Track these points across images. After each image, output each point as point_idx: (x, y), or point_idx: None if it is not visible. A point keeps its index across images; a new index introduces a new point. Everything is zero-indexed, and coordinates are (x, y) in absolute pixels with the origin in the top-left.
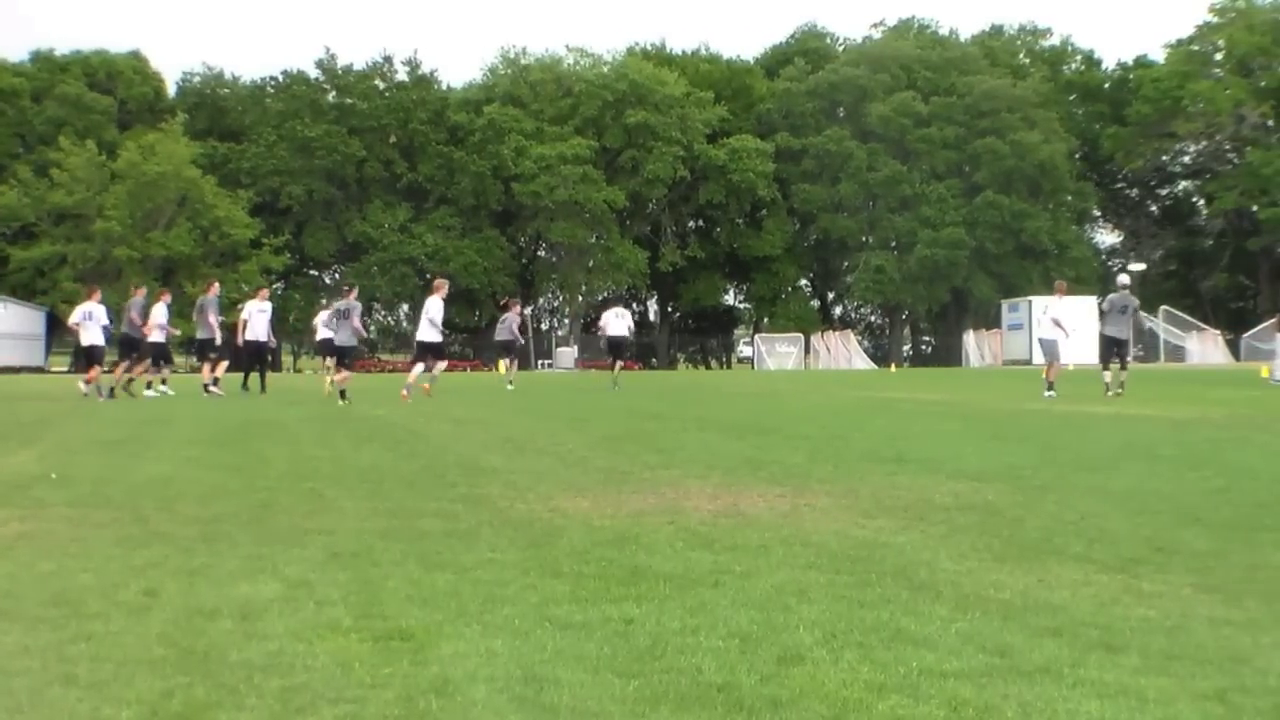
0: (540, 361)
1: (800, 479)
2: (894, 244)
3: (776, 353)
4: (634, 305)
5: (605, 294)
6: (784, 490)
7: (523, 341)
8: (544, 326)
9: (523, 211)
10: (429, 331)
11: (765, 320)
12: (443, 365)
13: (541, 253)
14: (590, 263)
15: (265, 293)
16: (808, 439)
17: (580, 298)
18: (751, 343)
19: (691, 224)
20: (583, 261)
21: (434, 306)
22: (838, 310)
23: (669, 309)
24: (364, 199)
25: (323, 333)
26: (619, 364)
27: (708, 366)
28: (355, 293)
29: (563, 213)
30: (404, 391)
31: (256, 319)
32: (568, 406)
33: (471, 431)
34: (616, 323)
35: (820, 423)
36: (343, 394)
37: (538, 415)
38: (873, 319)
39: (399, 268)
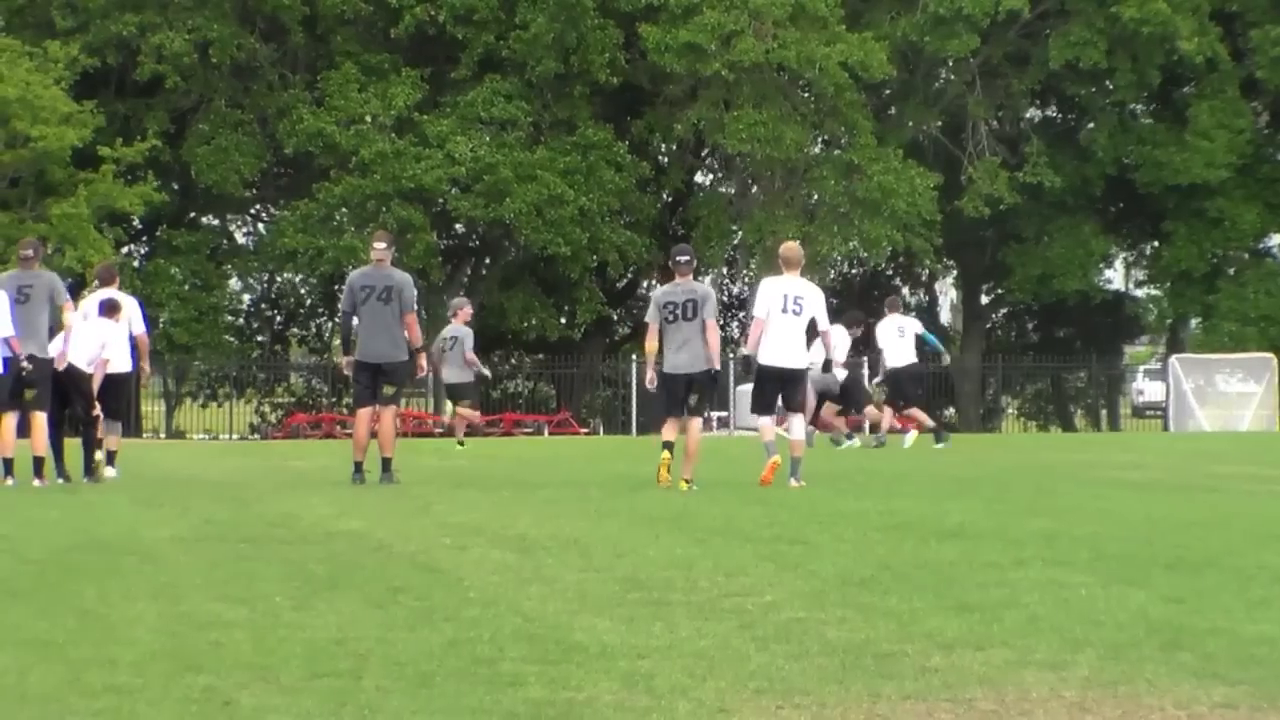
0: None
1: None
2: None
3: (1216, 394)
4: (909, 290)
5: (849, 262)
6: None
7: (486, 373)
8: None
9: (662, 86)
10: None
11: (1194, 325)
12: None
13: (702, 177)
14: (790, 196)
15: (113, 274)
16: None
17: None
18: (1163, 371)
19: (1033, 112)
20: (782, 196)
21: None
22: None
23: (983, 299)
24: (319, 61)
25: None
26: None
27: (1066, 424)
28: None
29: (752, 87)
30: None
31: (91, 326)
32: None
33: None
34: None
35: None
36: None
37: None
38: None
39: (394, 209)
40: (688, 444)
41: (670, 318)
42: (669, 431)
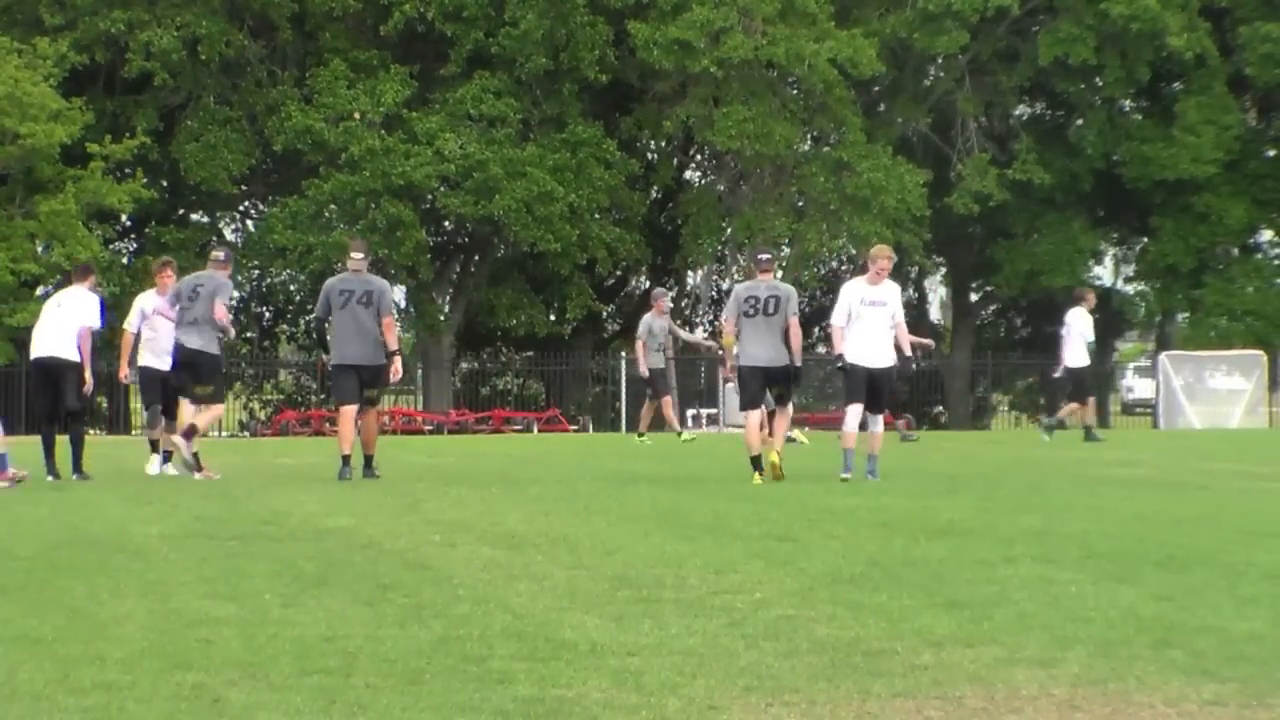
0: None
1: None
2: None
3: (1205, 390)
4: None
5: (841, 259)
6: None
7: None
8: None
9: (651, 83)
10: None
11: (1181, 320)
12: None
13: (691, 173)
14: (779, 192)
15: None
16: None
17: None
18: (1153, 368)
19: (1022, 109)
20: (772, 193)
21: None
22: None
23: (972, 295)
24: (308, 58)
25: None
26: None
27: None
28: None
29: (742, 84)
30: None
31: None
32: None
33: None
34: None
35: None
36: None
37: None
38: None
39: (383, 205)
40: (775, 428)
41: (750, 312)
42: (753, 439)
